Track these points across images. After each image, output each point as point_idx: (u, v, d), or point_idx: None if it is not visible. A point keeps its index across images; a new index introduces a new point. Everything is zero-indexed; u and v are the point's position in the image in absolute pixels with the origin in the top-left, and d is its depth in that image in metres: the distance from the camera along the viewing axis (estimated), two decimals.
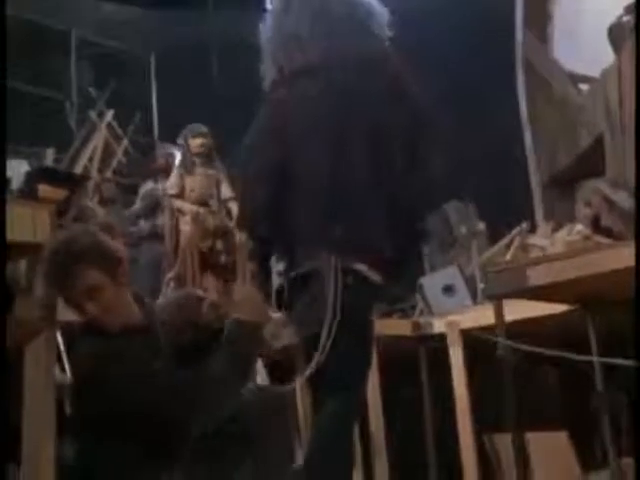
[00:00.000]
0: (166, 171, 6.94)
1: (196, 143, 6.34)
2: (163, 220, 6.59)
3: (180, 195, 6.25)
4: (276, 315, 2.95)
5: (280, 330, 2.92)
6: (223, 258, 5.99)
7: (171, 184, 6.32)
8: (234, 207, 6.39)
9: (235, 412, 2.41)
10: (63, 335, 2.69)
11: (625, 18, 5.60)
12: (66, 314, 2.52)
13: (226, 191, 6.51)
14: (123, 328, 2.39)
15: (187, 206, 6.20)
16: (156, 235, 6.68)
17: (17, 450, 2.27)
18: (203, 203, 6.31)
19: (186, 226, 6.08)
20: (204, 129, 6.43)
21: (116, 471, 2.28)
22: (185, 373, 2.31)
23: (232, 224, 6.15)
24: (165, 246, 6.32)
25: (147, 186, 7.06)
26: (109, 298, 2.37)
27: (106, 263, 2.37)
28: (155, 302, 2.98)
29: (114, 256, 2.42)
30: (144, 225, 6.82)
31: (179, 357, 2.45)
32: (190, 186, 6.28)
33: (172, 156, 7.10)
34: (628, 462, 3.67)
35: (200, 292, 3.19)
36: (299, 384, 4.33)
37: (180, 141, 6.41)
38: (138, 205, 7.01)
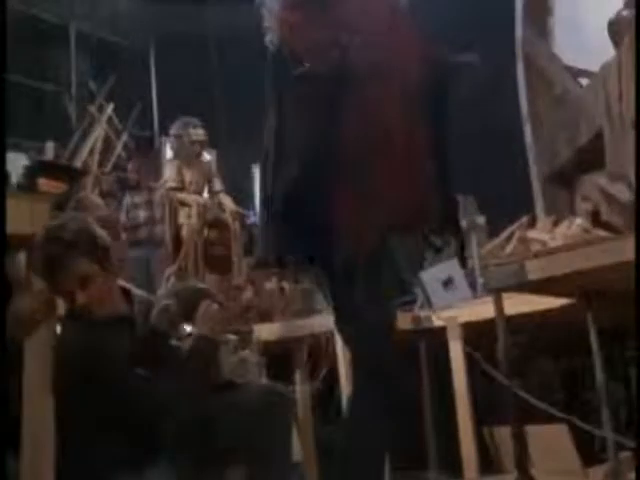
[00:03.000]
0: (137, 186, 6.80)
1: (198, 132, 6.35)
2: (158, 214, 6.55)
3: (181, 188, 6.20)
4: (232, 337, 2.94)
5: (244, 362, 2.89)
6: (217, 250, 5.98)
7: (170, 177, 6.26)
8: (225, 199, 6.39)
9: (233, 410, 2.41)
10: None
11: (624, 12, 5.59)
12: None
13: (217, 183, 6.52)
14: (110, 317, 2.40)
15: (191, 198, 6.15)
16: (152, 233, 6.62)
17: (17, 440, 2.27)
18: (199, 195, 6.31)
19: (188, 219, 6.03)
20: (199, 122, 6.44)
21: (90, 464, 2.27)
22: (149, 373, 2.31)
23: (226, 216, 6.14)
24: (164, 241, 6.29)
25: (127, 200, 6.91)
26: (98, 287, 2.37)
27: (96, 251, 2.38)
28: (150, 294, 2.98)
29: (102, 243, 2.43)
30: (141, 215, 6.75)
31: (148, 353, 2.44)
32: (189, 178, 6.26)
33: (141, 169, 7.02)
34: (627, 456, 3.67)
35: (201, 285, 3.18)
36: (300, 386, 4.37)
37: (178, 132, 6.37)
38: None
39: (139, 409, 2.25)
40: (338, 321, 2.46)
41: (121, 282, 2.62)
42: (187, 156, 6.35)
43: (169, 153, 7.02)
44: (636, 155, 3.78)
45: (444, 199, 2.45)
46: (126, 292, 2.59)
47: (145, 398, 2.26)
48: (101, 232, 2.46)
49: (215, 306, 2.53)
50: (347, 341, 2.50)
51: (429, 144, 2.38)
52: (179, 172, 6.26)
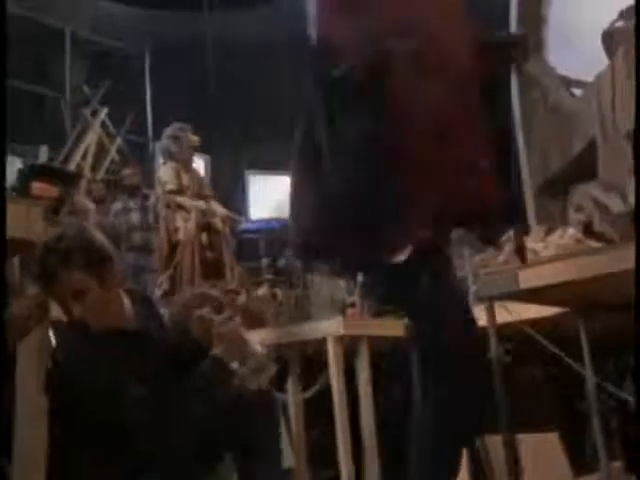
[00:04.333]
0: (136, 191, 6.90)
1: (195, 139, 6.32)
2: (153, 220, 6.55)
3: (179, 191, 6.12)
4: (260, 350, 2.86)
5: (261, 367, 2.80)
6: (210, 256, 5.93)
7: (169, 179, 6.15)
8: (215, 204, 6.37)
9: (225, 414, 2.38)
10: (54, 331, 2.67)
11: (619, 23, 5.62)
12: (60, 312, 2.51)
13: (207, 188, 6.49)
14: (109, 330, 2.36)
15: (190, 202, 6.07)
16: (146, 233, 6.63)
17: (9, 445, 2.26)
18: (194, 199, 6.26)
19: (185, 223, 5.96)
20: (191, 129, 6.42)
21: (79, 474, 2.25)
22: (157, 390, 2.28)
23: (217, 221, 6.10)
24: (159, 246, 6.25)
25: (117, 205, 6.93)
26: (95, 300, 2.32)
27: (93, 264, 2.32)
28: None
29: (102, 255, 2.38)
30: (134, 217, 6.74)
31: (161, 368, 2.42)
32: (185, 182, 6.19)
33: (133, 176, 7.08)
34: (618, 465, 3.69)
35: (215, 292, 3.13)
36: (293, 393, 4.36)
37: (175, 133, 6.30)
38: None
39: (132, 426, 2.22)
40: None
41: (133, 289, 2.58)
42: (183, 159, 6.28)
43: (161, 157, 6.98)
44: (635, 164, 3.79)
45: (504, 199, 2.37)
46: (138, 300, 2.53)
47: (139, 416, 2.23)
48: (102, 241, 2.40)
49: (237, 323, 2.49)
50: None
51: (490, 138, 2.30)
52: (177, 175, 6.17)
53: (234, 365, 2.40)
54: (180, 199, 6.07)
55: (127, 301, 2.48)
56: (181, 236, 5.90)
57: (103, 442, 2.25)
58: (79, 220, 2.63)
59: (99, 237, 2.41)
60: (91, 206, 6.13)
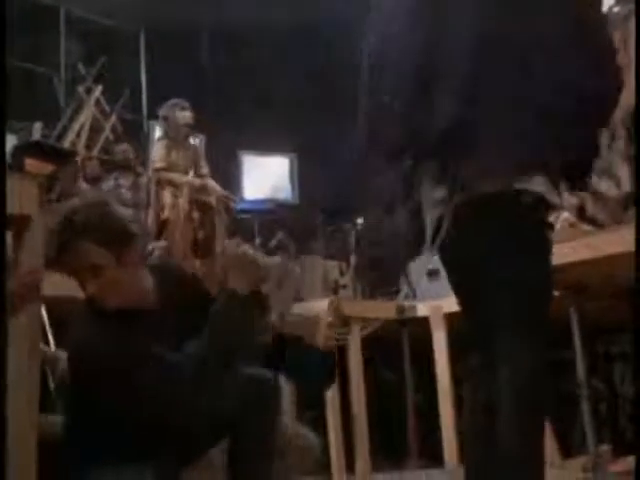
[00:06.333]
0: (125, 167, 6.89)
1: (187, 115, 6.30)
2: (145, 198, 6.55)
3: (169, 168, 6.12)
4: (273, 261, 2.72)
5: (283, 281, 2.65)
6: (201, 233, 5.94)
7: (159, 156, 6.16)
8: (211, 182, 6.37)
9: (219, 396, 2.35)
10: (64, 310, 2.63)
11: (616, 9, 5.60)
12: (54, 289, 2.49)
13: (203, 166, 6.48)
14: (124, 310, 2.29)
15: (182, 179, 6.07)
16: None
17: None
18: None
19: (175, 199, 5.95)
20: (187, 104, 6.40)
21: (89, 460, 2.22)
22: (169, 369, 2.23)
23: (211, 199, 6.11)
24: (149, 224, 6.24)
25: (109, 183, 6.92)
26: (112, 278, 2.24)
27: (112, 240, 2.24)
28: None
29: (124, 232, 2.28)
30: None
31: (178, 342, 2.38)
32: (177, 159, 6.19)
33: (127, 152, 7.07)
34: (606, 449, 3.71)
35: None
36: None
37: (166, 113, 6.30)
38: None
39: (150, 404, 2.19)
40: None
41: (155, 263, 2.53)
42: (175, 138, 6.28)
43: (157, 135, 6.98)
44: (636, 151, 3.79)
45: None
46: (160, 275, 2.45)
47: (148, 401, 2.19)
48: (123, 216, 2.32)
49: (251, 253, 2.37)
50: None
51: None
52: (168, 153, 6.17)
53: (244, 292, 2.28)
54: (171, 175, 6.07)
55: (148, 278, 2.41)
56: (169, 213, 5.91)
57: (119, 424, 2.21)
58: (103, 194, 2.54)
59: (120, 211, 2.34)
60: (84, 186, 6.12)
